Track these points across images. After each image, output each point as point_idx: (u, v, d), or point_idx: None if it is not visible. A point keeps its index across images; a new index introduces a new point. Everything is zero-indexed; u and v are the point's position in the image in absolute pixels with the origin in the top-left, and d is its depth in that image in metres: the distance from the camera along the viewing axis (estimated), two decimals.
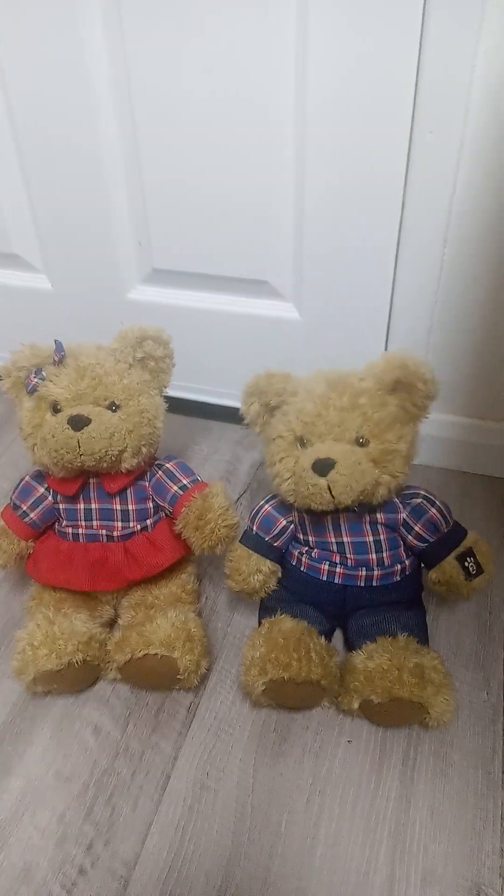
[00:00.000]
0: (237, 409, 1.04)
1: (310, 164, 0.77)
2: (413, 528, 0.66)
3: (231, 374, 1.02)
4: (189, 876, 0.56)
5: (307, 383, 0.66)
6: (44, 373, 0.68)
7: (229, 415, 1.06)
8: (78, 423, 0.64)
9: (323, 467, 0.59)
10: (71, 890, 0.55)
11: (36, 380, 0.68)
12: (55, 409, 0.67)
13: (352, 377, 0.64)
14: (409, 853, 0.57)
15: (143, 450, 0.69)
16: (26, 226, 0.98)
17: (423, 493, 0.67)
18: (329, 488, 0.59)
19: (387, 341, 0.88)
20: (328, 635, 0.69)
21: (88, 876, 0.56)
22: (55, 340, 0.69)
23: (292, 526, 0.70)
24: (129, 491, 0.71)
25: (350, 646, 0.69)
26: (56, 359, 0.68)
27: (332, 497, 0.60)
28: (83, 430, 0.64)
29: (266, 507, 0.71)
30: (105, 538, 0.71)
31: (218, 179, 0.82)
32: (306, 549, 0.70)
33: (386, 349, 0.88)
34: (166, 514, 0.74)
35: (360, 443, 0.62)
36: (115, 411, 0.67)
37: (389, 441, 0.62)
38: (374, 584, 0.67)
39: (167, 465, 0.73)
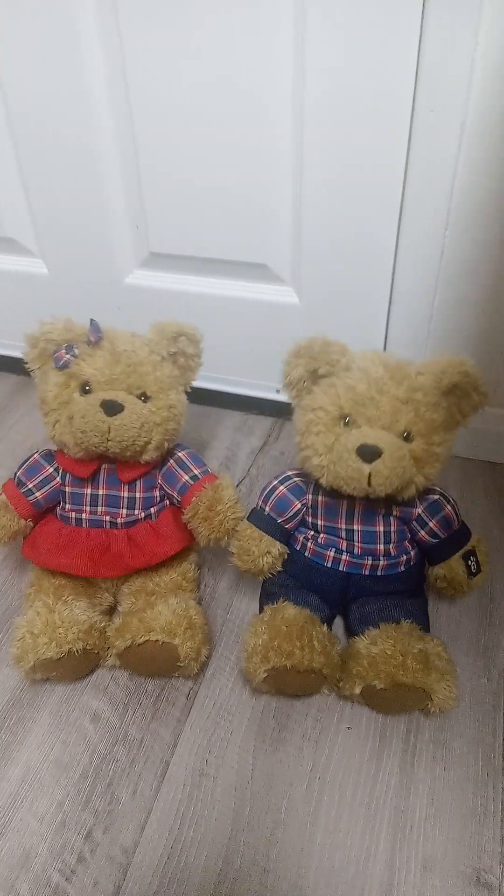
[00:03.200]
0: (236, 395, 1.05)
1: (307, 149, 0.76)
2: (427, 524, 0.66)
3: (230, 360, 1.01)
4: (188, 862, 0.56)
5: (361, 361, 0.63)
6: (76, 350, 0.67)
7: (228, 400, 1.06)
8: (112, 408, 0.63)
9: (370, 454, 0.58)
10: (70, 877, 0.55)
11: (68, 356, 0.66)
12: (84, 390, 0.66)
13: (410, 368, 0.62)
14: (409, 840, 0.57)
15: (166, 445, 0.69)
16: (22, 210, 0.97)
17: (438, 489, 0.67)
18: (370, 476, 0.58)
19: (387, 326, 0.87)
20: (329, 622, 0.69)
21: (87, 863, 0.56)
22: (91, 320, 0.67)
23: (305, 509, 0.69)
24: (139, 479, 0.71)
25: (351, 632, 0.68)
26: (92, 339, 0.67)
27: (370, 485, 0.58)
28: (116, 416, 0.63)
29: (281, 488, 0.69)
30: (108, 524, 0.71)
31: (214, 163, 0.81)
32: (312, 533, 0.69)
33: (387, 334, 0.88)
34: (172, 503, 0.73)
35: (406, 438, 0.60)
36: (144, 402, 0.67)
37: (435, 443, 0.61)
38: (379, 573, 0.67)
39: (179, 454, 0.72)
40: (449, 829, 0.57)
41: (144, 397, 0.67)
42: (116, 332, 0.69)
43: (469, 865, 0.55)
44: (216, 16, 0.71)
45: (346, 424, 0.61)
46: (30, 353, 0.70)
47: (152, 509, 0.72)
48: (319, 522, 0.68)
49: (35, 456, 0.73)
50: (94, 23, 0.76)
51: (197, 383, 1.05)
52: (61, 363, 0.67)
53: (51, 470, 0.72)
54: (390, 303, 0.85)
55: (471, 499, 0.88)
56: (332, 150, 0.75)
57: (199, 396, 1.06)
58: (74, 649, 0.63)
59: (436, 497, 0.67)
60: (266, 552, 0.68)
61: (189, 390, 0.74)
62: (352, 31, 0.67)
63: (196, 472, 0.71)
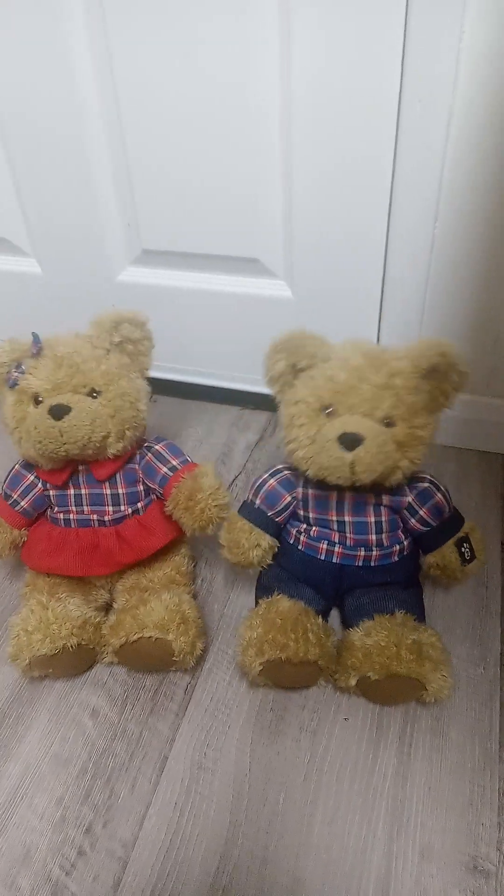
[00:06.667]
0: (231, 391, 1.05)
1: (297, 143, 0.76)
2: (418, 512, 0.66)
3: (224, 355, 1.01)
4: (187, 856, 0.56)
5: (341, 351, 0.63)
6: (23, 366, 0.68)
7: (223, 396, 1.06)
8: (58, 412, 0.64)
9: (351, 442, 0.58)
10: (70, 872, 0.56)
11: (16, 374, 0.68)
12: (36, 402, 0.67)
13: (388, 354, 0.62)
14: (407, 829, 0.57)
15: (128, 433, 0.69)
16: (13, 209, 0.96)
17: (429, 477, 0.67)
18: (352, 464, 0.58)
19: (380, 319, 0.87)
20: (325, 615, 0.69)
21: (87, 857, 0.56)
22: (32, 333, 0.68)
23: (296, 502, 0.70)
24: (118, 475, 0.71)
25: (347, 624, 0.69)
26: (34, 351, 0.68)
27: (354, 473, 0.58)
28: (63, 418, 0.64)
29: (271, 481, 0.70)
30: (97, 523, 0.71)
31: (204, 159, 0.81)
32: (305, 526, 0.69)
33: (379, 327, 0.88)
34: (157, 497, 0.73)
35: (387, 423, 0.60)
36: (95, 398, 0.67)
37: (416, 426, 0.61)
38: (372, 564, 0.67)
39: (156, 447, 0.72)
40: (446, 817, 0.57)
41: (95, 393, 0.67)
42: (59, 337, 0.70)
43: (466, 853, 0.55)
44: (204, 13, 0.71)
45: (328, 415, 0.61)
46: None
47: (139, 504, 0.72)
48: (311, 515, 0.68)
49: (16, 467, 0.74)
50: (82, 21, 0.76)
51: (192, 379, 1.06)
52: (11, 382, 0.68)
53: (32, 478, 0.73)
54: (382, 295, 0.85)
55: (466, 489, 0.88)
56: (321, 143, 0.75)
57: (195, 392, 1.07)
58: (69, 645, 0.64)
59: (426, 485, 0.67)
60: (256, 545, 0.69)
61: (146, 375, 0.73)
62: (337, 25, 0.67)
63: (174, 462, 0.71)
